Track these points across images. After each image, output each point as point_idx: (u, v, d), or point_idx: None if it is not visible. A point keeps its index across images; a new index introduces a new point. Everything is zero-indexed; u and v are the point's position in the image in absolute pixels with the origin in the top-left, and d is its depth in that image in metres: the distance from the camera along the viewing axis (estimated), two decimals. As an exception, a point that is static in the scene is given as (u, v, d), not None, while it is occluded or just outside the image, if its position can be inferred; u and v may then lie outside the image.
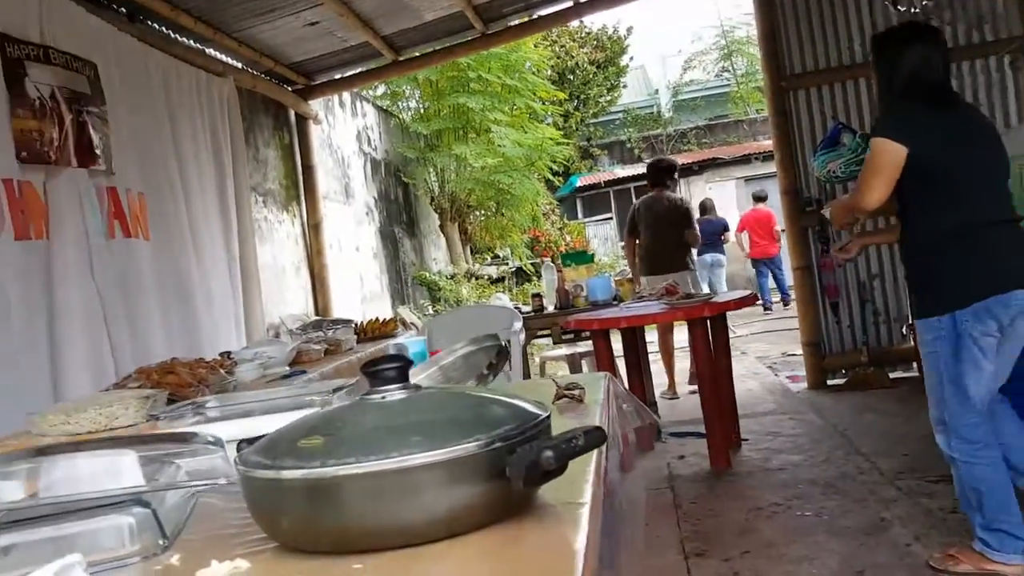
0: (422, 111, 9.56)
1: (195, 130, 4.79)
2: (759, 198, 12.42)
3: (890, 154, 2.53)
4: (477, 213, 10.34)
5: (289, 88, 6.55)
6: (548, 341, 5.68)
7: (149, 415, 2.31)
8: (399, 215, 9.77)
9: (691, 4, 19.87)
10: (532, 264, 10.86)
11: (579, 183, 16.43)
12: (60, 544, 0.81)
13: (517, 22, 6.54)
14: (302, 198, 6.75)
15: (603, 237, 16.38)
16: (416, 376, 1.36)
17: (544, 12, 6.58)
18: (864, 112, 6.22)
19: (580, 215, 16.85)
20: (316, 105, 6.99)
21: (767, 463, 4.39)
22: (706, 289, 12.85)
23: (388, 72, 6.93)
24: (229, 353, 3.22)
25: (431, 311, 9.06)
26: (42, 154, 3.47)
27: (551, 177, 10.96)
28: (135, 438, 0.93)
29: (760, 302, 12.61)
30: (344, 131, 8.15)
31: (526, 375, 5.57)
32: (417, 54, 6.69)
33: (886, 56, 2.70)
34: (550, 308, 5.41)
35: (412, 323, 5.98)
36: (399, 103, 9.48)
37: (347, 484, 0.73)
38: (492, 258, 11.46)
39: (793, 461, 4.36)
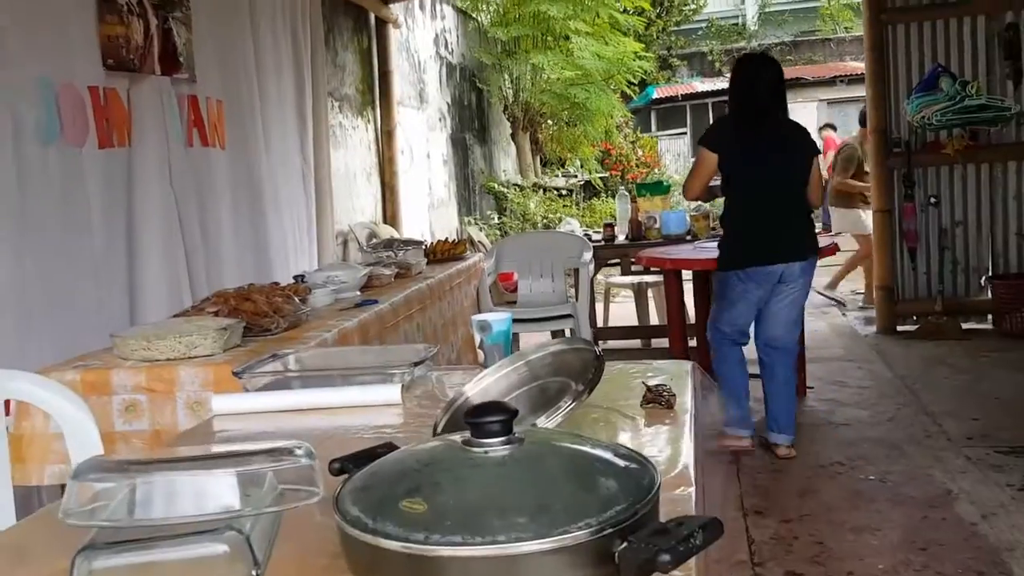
0: (501, 15, 9.26)
1: (276, 36, 4.72)
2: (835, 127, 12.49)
3: (704, 158, 3.53)
4: (549, 123, 10.12)
5: (371, -10, 6.39)
6: (617, 270, 5.61)
7: (226, 347, 2.36)
8: (471, 121, 9.63)
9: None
10: (601, 178, 10.68)
11: (655, 94, 15.92)
12: (152, 571, 0.82)
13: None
14: (377, 104, 6.68)
15: (676, 152, 15.96)
16: (503, 371, 1.33)
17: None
18: (966, 56, 5.84)
19: (654, 128, 16.41)
20: (397, 8, 6.82)
21: (831, 416, 4.33)
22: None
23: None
24: (303, 277, 3.24)
25: (496, 221, 9.02)
26: (127, 61, 3.46)
27: (627, 90, 10.62)
28: (231, 455, 0.93)
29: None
30: (422, 34, 7.97)
31: (592, 304, 5.54)
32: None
33: (731, 79, 3.60)
34: (621, 238, 5.31)
35: (480, 242, 5.95)
36: (479, 4, 9.19)
37: (450, 565, 0.71)
38: (561, 170, 11.29)
39: (859, 417, 4.29)
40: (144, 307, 3.53)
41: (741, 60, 3.65)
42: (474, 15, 9.22)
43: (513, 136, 9.95)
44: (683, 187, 3.75)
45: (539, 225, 8.46)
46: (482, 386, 1.30)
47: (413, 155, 7.47)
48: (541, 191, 9.56)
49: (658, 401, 1.36)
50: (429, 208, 7.96)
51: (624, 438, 1.23)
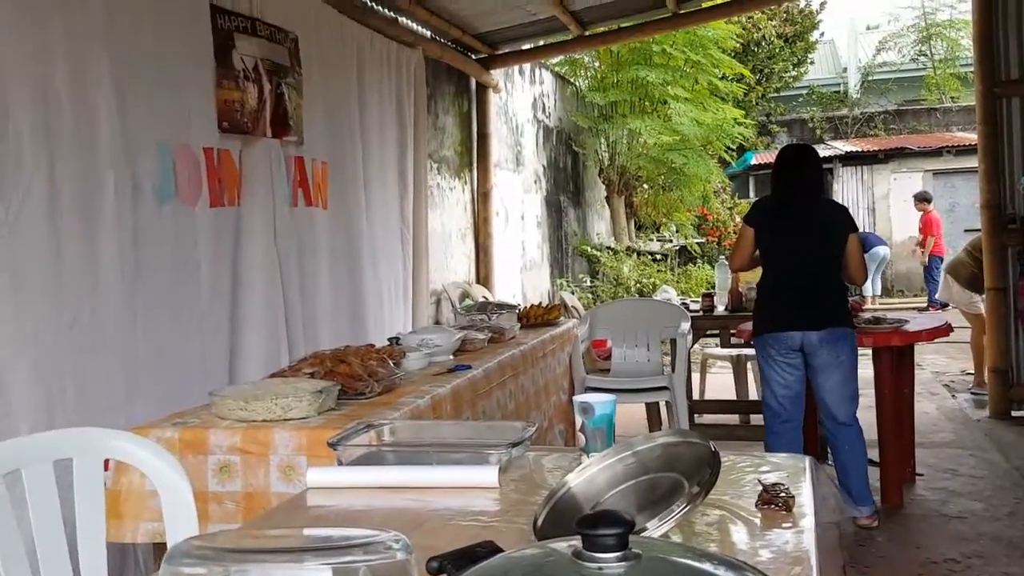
0: (600, 80, 9.35)
1: (382, 99, 4.86)
2: (930, 199, 12.49)
3: (744, 233, 3.83)
4: (645, 187, 10.08)
5: (473, 57, 6.53)
6: (717, 341, 5.45)
7: (321, 411, 2.36)
8: (566, 184, 9.68)
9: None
10: (697, 244, 10.53)
11: (754, 160, 15.70)
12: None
13: (710, 4, 6.21)
14: (474, 165, 6.77)
15: (773, 219, 15.62)
16: (608, 460, 1.26)
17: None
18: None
19: (752, 194, 16.13)
20: (497, 74, 6.96)
21: (944, 507, 4.05)
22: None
23: (572, 46, 6.80)
24: (397, 339, 3.25)
25: (588, 284, 8.96)
26: (241, 124, 3.60)
27: (725, 155, 10.51)
28: (326, 547, 0.89)
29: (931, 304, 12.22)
30: (521, 98, 8.10)
31: (688, 375, 5.39)
32: (603, 30, 6.50)
33: (774, 165, 3.89)
34: (720, 308, 5.18)
35: (573, 307, 5.90)
36: (577, 70, 9.30)
37: None
38: (656, 234, 11.19)
39: (973, 509, 4.00)
40: (244, 361, 3.60)
41: (783, 151, 3.92)
42: (572, 80, 9.33)
43: (608, 199, 9.94)
44: (730, 260, 4.09)
45: (632, 290, 8.36)
46: (585, 476, 1.23)
47: (508, 217, 7.53)
48: (635, 255, 9.47)
49: (775, 503, 1.26)
50: (522, 270, 7.98)
51: (742, 545, 1.14)
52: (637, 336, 4.93)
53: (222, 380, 3.47)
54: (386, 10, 5.25)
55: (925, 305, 12.38)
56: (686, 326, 4.70)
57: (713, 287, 5.56)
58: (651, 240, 10.53)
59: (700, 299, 5.12)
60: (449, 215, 6.28)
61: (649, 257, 9.48)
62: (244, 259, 3.65)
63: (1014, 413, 5.78)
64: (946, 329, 4.22)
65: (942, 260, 12.42)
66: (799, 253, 3.65)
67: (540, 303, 4.66)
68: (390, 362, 2.84)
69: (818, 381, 3.68)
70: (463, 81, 6.53)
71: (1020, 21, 5.63)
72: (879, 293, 13.16)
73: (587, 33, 6.44)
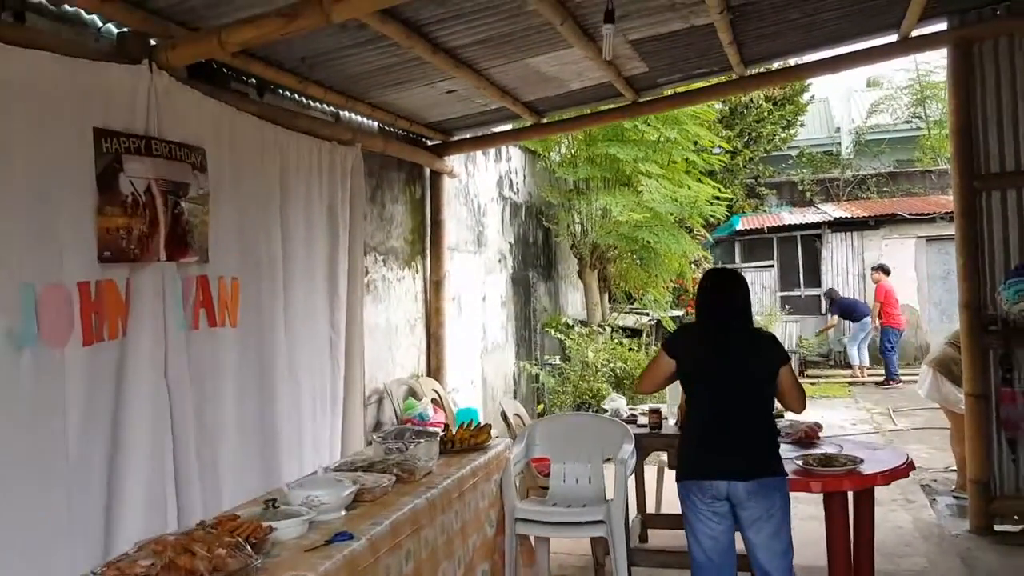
0: (571, 156, 9.15)
1: (310, 202, 4.62)
2: (887, 271, 12.65)
3: (661, 362, 3.57)
4: (618, 262, 9.84)
5: (428, 142, 6.32)
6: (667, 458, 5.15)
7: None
8: (535, 259, 9.44)
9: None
10: (672, 318, 10.25)
11: (740, 225, 15.47)
12: None
13: (672, 92, 6.00)
14: (427, 253, 6.53)
15: (761, 285, 15.36)
16: None
17: (701, 84, 6.01)
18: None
19: (738, 259, 15.89)
20: (454, 159, 6.74)
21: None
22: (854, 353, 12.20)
23: (530, 133, 6.58)
24: (274, 502, 2.95)
25: (557, 362, 8.66)
26: (127, 252, 3.34)
27: (702, 231, 10.26)
28: None
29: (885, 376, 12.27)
30: (484, 178, 7.89)
31: (641, 481, 5.07)
32: (560, 118, 6.29)
33: (697, 290, 3.64)
34: (671, 423, 4.88)
35: (517, 416, 5.59)
36: (548, 146, 9.11)
37: None
38: (631, 307, 10.91)
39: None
40: (123, 519, 3.29)
41: (708, 274, 3.66)
42: (542, 154, 9.13)
43: (580, 274, 9.69)
44: (637, 382, 3.82)
45: (599, 372, 8.05)
46: None
47: (466, 301, 7.26)
48: (609, 330, 9.19)
49: None
50: (482, 353, 7.70)
51: None
52: (579, 455, 4.62)
53: (95, 542, 3.18)
54: (326, 105, 5.05)
55: (884, 378, 12.14)
56: (628, 448, 4.40)
57: (663, 400, 5.26)
58: (626, 314, 10.26)
59: (648, 415, 4.81)
60: (396, 307, 6.02)
61: (622, 333, 9.19)
62: (127, 397, 3.36)
63: (996, 527, 5.45)
64: (906, 469, 3.91)
65: (897, 332, 12.25)
66: (724, 390, 3.41)
67: (469, 423, 4.36)
68: (247, 547, 2.55)
69: (747, 535, 3.41)
70: (415, 168, 6.31)
71: (1000, 113, 5.41)
72: (867, 364, 12.87)
73: (544, 120, 6.23)
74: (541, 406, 8.43)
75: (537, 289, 9.32)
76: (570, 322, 8.91)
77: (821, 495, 3.90)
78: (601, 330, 9.13)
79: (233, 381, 3.97)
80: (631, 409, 5.17)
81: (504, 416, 5.37)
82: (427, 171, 6.48)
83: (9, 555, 2.80)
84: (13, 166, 2.92)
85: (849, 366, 13.05)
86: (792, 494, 3.51)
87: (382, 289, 5.83)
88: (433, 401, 6.14)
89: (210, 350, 3.83)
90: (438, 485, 3.56)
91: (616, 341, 8.83)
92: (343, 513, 3.11)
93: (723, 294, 3.51)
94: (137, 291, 3.43)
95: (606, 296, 10.32)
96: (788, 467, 3.73)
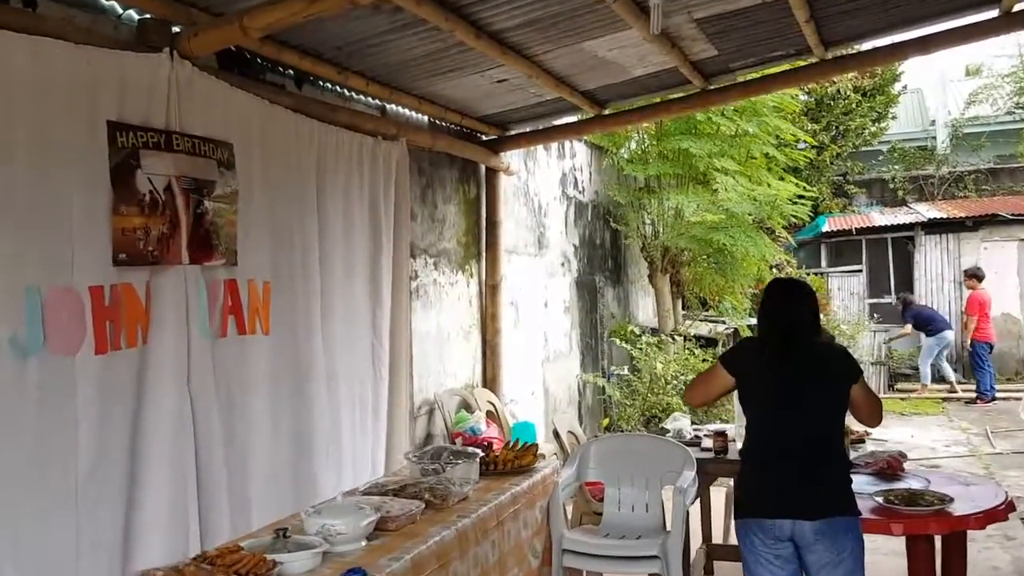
0: (641, 151, 8.72)
1: (349, 202, 4.36)
2: (981, 276, 11.76)
3: (717, 376, 3.21)
4: (692, 266, 9.33)
5: (482, 137, 6.02)
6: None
7: None
8: (603, 262, 9.03)
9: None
10: (750, 327, 9.68)
11: (826, 227, 14.67)
12: None
13: (745, 78, 5.54)
14: (482, 256, 6.23)
15: (849, 292, 14.52)
16: None
17: (777, 69, 5.54)
18: None
19: (824, 263, 15.08)
20: (511, 155, 6.42)
21: None
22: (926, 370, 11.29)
23: (591, 126, 6.22)
24: (285, 531, 2.68)
25: (626, 373, 8.24)
26: (144, 254, 3.14)
27: (783, 233, 9.66)
28: None
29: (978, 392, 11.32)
30: (546, 176, 7.54)
31: (707, 508, 4.65)
32: (624, 108, 5.90)
33: (760, 303, 3.24)
34: (740, 445, 4.43)
35: (571, 434, 5.22)
36: (617, 141, 8.69)
37: None
38: (705, 314, 10.40)
39: None
40: (142, 539, 3.09)
41: (773, 285, 3.31)
42: (610, 151, 8.72)
43: (651, 278, 9.23)
44: (686, 391, 3.54)
45: (668, 385, 7.58)
46: None
47: (524, 306, 6.92)
48: (682, 339, 8.70)
49: None
50: (544, 362, 7.35)
51: None
52: (635, 480, 4.24)
53: (110, 568, 2.97)
54: (370, 99, 4.79)
55: (973, 396, 11.23)
56: (689, 475, 4.00)
57: (731, 420, 4.82)
58: (700, 322, 9.74)
59: (712, 437, 4.38)
60: (448, 313, 5.73)
61: (696, 342, 8.69)
62: (147, 410, 3.16)
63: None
64: (1004, 510, 3.40)
65: (987, 346, 11.27)
66: (788, 414, 3.03)
67: (516, 442, 4.03)
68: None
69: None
70: (469, 165, 6.02)
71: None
72: (955, 379, 12.02)
73: (606, 112, 5.85)
74: (607, 420, 8.03)
75: (604, 294, 8.92)
76: (637, 330, 8.45)
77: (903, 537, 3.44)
78: (673, 339, 8.66)
79: (265, 392, 3.74)
80: (696, 429, 4.75)
81: (556, 434, 5.01)
82: (482, 168, 6.18)
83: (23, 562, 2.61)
84: (19, 161, 2.74)
85: (943, 380, 12.15)
86: (868, 536, 3.08)
87: (433, 294, 5.55)
88: (488, 414, 5.83)
89: (239, 359, 3.61)
90: (472, 513, 3.25)
91: (688, 351, 8.34)
92: (363, 544, 2.84)
93: (788, 305, 3.14)
94: (158, 296, 3.22)
95: (679, 302, 9.83)
96: (865, 504, 3.31)
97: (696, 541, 4.95)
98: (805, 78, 5.99)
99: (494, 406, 5.99)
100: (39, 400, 2.76)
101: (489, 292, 6.24)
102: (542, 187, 7.42)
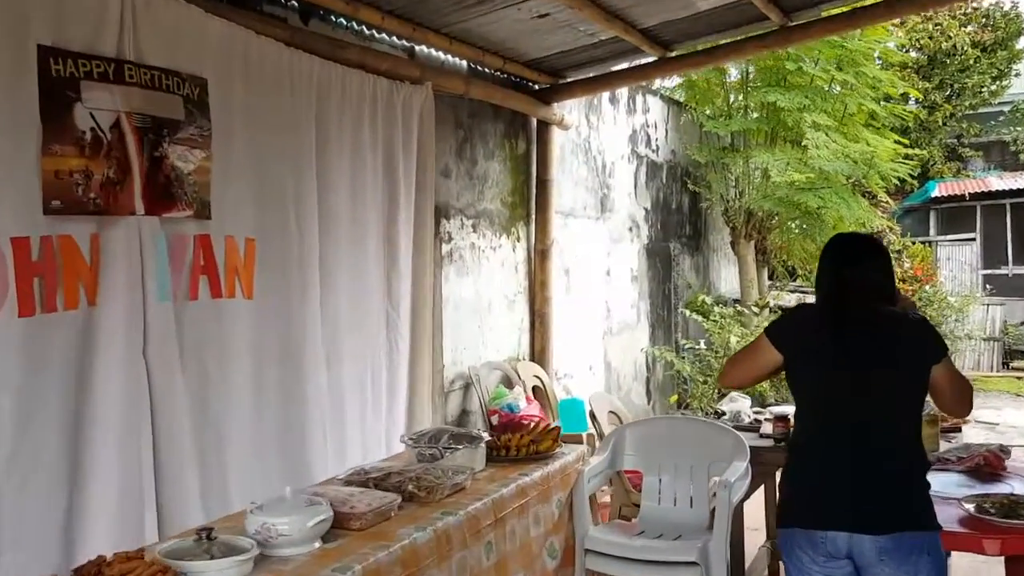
0: (726, 106, 7.92)
1: (358, 152, 3.86)
2: None
3: (761, 351, 2.53)
4: (779, 232, 8.50)
5: (534, 86, 5.43)
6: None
7: None
8: (679, 227, 8.30)
9: None
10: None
11: (936, 192, 13.41)
12: None
13: (833, 11, 4.76)
14: (532, 218, 5.66)
15: (960, 262, 13.27)
16: None
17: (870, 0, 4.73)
18: None
19: (932, 231, 13.83)
20: (567, 107, 5.81)
21: None
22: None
23: (655, 71, 5.56)
24: (209, 532, 2.21)
25: (700, 347, 7.54)
26: (84, 202, 2.71)
27: (883, 196, 8.69)
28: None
29: None
30: (612, 132, 6.87)
31: (770, 536, 4.01)
32: (691, 50, 5.20)
33: (819, 263, 2.63)
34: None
35: (614, 413, 4.61)
36: (696, 94, 7.91)
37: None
38: (794, 284, 9.54)
39: None
40: (88, 529, 2.70)
41: (834, 241, 2.67)
42: (689, 105, 7.96)
43: (733, 245, 8.46)
44: (721, 371, 2.79)
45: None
46: None
47: (578, 276, 6.31)
48: (766, 311, 7.94)
49: None
50: (606, 335, 6.74)
51: None
52: (678, 469, 3.64)
53: (48, 561, 2.59)
54: (395, 39, 4.27)
55: None
56: (739, 467, 3.37)
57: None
58: (788, 292, 8.91)
59: (773, 423, 3.72)
60: (489, 280, 5.20)
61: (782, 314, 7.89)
62: (95, 380, 2.76)
63: None
64: None
65: None
66: (851, 400, 2.39)
67: (536, 423, 3.47)
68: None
69: None
70: (517, 118, 5.44)
71: None
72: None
73: (671, 55, 5.16)
74: (675, 397, 7.36)
75: (680, 263, 8.21)
76: (710, 301, 7.72)
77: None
78: (756, 310, 7.88)
79: (246, 366, 3.30)
80: (756, 412, 4.08)
81: (593, 416, 4.42)
82: (532, 122, 5.59)
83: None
84: None
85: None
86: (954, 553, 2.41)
87: (470, 259, 5.02)
88: (534, 389, 5.30)
89: (214, 326, 3.18)
90: (461, 510, 2.72)
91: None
92: (315, 546, 2.36)
93: (853, 267, 2.48)
94: (107, 251, 2.80)
95: (764, 271, 9.02)
96: (950, 513, 2.64)
97: (759, 538, 4.32)
98: (903, 8, 5.12)
99: (541, 381, 5.44)
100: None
101: (539, 257, 5.67)
102: (607, 144, 6.77)
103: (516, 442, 3.30)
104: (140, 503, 2.85)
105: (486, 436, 3.21)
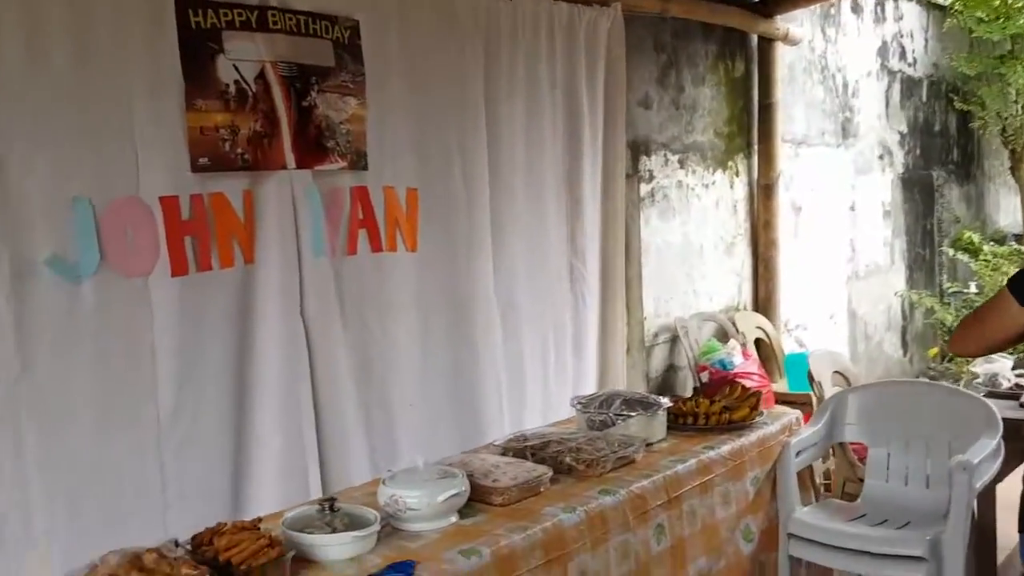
0: (1003, 6, 6.59)
1: (534, 88, 3.53)
2: None
3: (1004, 310, 1.98)
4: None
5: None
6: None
7: None
8: (943, 153, 7.12)
9: None
10: None
11: None
12: None
13: None
14: (753, 149, 5.03)
15: None
16: None
17: None
18: None
19: None
20: (800, 17, 5.08)
21: None
22: None
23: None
24: (332, 502, 2.06)
25: (970, 291, 6.47)
26: (233, 158, 2.65)
27: None
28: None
29: None
30: (855, 45, 5.94)
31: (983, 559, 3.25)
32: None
33: None
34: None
35: (840, 374, 3.96)
36: (968, 3, 6.65)
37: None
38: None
39: None
40: (249, 493, 2.70)
41: None
42: (955, 9, 6.72)
43: (1013, 171, 7.12)
44: (952, 336, 2.41)
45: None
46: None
47: (813, 213, 5.57)
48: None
49: None
50: (849, 279, 5.95)
51: None
52: (910, 443, 3.02)
53: (214, 515, 2.61)
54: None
55: None
56: (988, 444, 2.71)
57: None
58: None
59: (1041, 390, 2.96)
60: (700, 222, 4.70)
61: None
62: (254, 339, 2.73)
63: None
64: None
65: None
66: None
67: (730, 388, 3.00)
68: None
69: None
70: (732, 36, 4.82)
71: None
72: None
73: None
74: (934, 350, 6.37)
75: (944, 194, 7.07)
76: (976, 238, 6.56)
77: None
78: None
79: (412, 321, 3.15)
80: (1020, 376, 3.29)
81: (811, 378, 3.81)
82: (752, 39, 4.93)
83: (66, 534, 2.32)
84: (57, 47, 2.30)
85: None
86: None
87: (676, 199, 4.55)
88: (758, 342, 4.77)
89: (375, 281, 3.04)
90: (624, 488, 2.38)
91: (1067, 262, 6.30)
92: (451, 521, 2.15)
93: None
94: (261, 207, 2.74)
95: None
96: None
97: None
98: None
99: (766, 333, 4.88)
100: (98, 330, 2.40)
101: (763, 194, 5.05)
102: (849, 60, 5.88)
103: (705, 408, 2.87)
104: (303, 459, 2.81)
105: (665, 402, 2.82)
